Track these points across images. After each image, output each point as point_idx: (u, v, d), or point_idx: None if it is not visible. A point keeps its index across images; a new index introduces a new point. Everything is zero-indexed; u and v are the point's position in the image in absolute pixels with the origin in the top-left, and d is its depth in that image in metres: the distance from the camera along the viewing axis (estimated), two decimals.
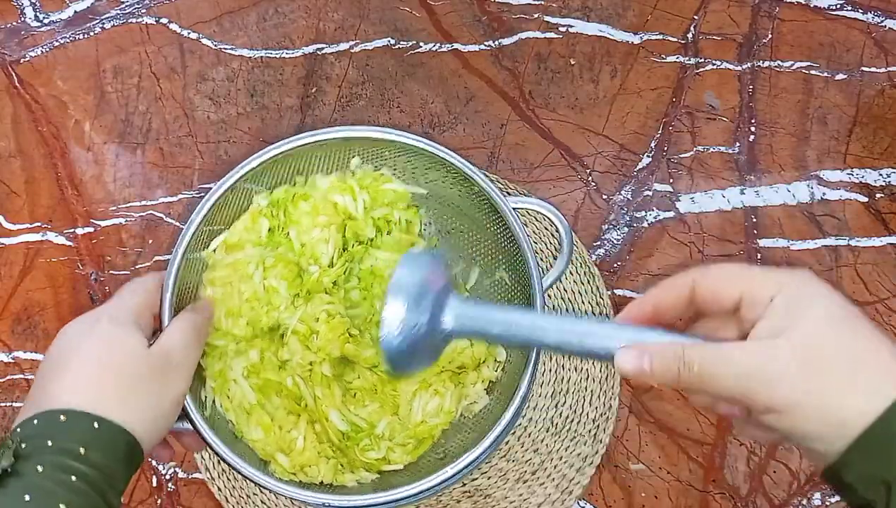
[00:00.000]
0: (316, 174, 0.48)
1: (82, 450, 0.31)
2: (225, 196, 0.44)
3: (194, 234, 0.43)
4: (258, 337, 0.44)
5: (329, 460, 0.44)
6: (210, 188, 0.44)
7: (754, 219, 0.59)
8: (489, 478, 0.53)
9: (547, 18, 0.66)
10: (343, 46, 0.66)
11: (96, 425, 0.32)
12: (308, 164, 0.47)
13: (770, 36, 0.64)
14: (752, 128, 0.62)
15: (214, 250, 0.45)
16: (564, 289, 0.57)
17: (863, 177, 0.60)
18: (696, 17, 0.65)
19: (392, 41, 0.66)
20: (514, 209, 0.44)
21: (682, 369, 0.30)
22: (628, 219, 0.60)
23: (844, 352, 0.28)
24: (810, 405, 0.28)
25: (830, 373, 0.28)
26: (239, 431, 0.43)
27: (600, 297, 0.56)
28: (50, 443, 0.31)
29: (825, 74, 0.63)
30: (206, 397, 0.43)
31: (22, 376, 0.58)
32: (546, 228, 0.58)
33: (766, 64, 0.64)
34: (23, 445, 0.31)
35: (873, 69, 0.63)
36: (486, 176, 0.45)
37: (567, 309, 0.56)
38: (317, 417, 0.44)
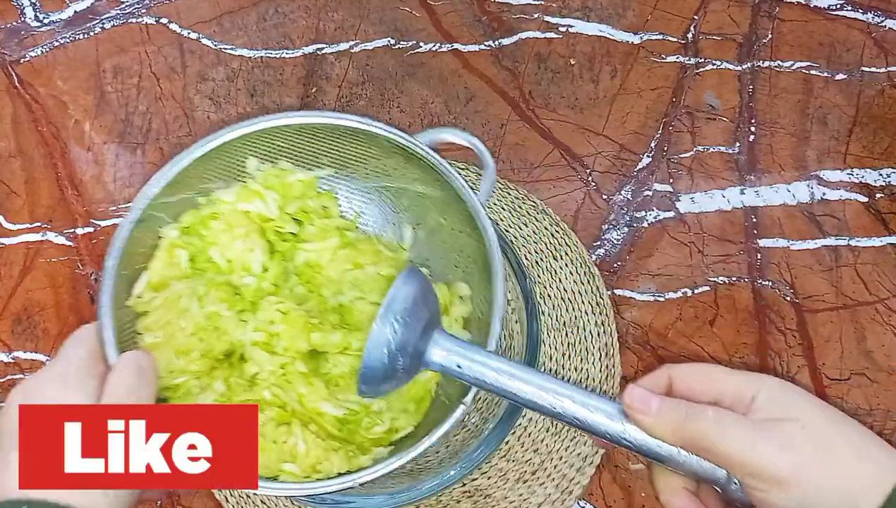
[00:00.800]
0: (217, 190, 0.47)
1: None
2: (132, 236, 0.42)
3: (115, 285, 0.41)
4: (216, 367, 0.43)
5: (338, 451, 0.43)
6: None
7: (754, 219, 0.59)
8: (489, 478, 0.53)
9: (547, 18, 0.66)
10: (343, 46, 0.66)
11: None
12: (204, 180, 0.46)
13: (770, 36, 0.64)
14: (752, 128, 0.62)
15: (140, 296, 0.43)
16: (564, 289, 0.57)
17: (863, 177, 0.60)
18: (696, 17, 0.65)
19: (392, 41, 0.66)
20: (433, 149, 0.44)
21: (690, 417, 0.30)
22: (628, 219, 0.60)
23: (847, 435, 0.29)
24: (823, 477, 0.28)
25: (840, 450, 0.29)
26: None
27: (600, 297, 0.56)
28: None
29: (825, 74, 0.63)
30: None
31: (22, 376, 0.58)
32: (546, 227, 0.58)
33: (766, 64, 0.64)
34: None
35: (873, 69, 0.63)
36: (390, 129, 0.44)
37: (567, 310, 0.56)
38: (308, 416, 0.44)
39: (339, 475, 0.41)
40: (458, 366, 0.37)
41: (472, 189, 0.44)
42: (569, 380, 0.55)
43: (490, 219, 0.43)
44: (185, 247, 0.45)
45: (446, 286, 0.47)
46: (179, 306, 0.43)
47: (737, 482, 0.31)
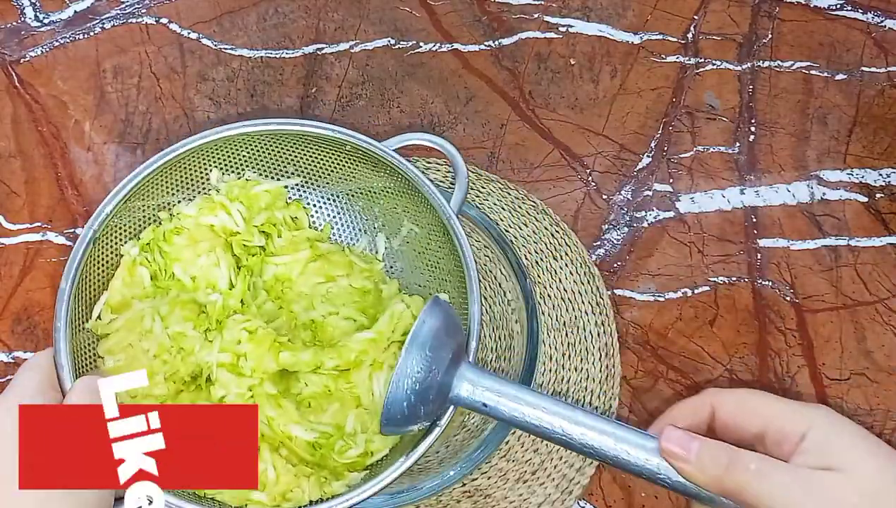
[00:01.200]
0: (179, 204, 0.45)
1: None
2: (88, 254, 0.40)
3: (71, 308, 0.39)
4: (182, 390, 0.42)
5: (310, 477, 0.41)
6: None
7: (754, 219, 0.59)
8: (489, 478, 0.53)
9: (547, 18, 0.66)
10: (343, 46, 0.66)
11: None
12: (165, 194, 0.44)
13: (770, 36, 0.64)
14: (752, 128, 0.62)
15: (99, 317, 0.41)
16: (564, 289, 0.57)
17: (863, 177, 0.60)
18: (696, 17, 0.65)
19: (392, 41, 0.66)
20: (395, 150, 0.43)
21: (731, 467, 0.29)
22: (628, 219, 0.60)
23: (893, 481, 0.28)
24: None
25: (887, 504, 0.28)
26: (200, 490, 0.40)
27: (600, 297, 0.56)
28: None
29: (825, 74, 0.63)
30: None
31: None
32: (546, 227, 0.58)
33: (766, 64, 0.64)
34: None
35: (873, 69, 0.63)
36: (356, 135, 0.43)
37: (567, 309, 0.56)
38: (278, 441, 0.41)
39: (311, 503, 0.39)
40: (485, 405, 0.35)
41: (446, 192, 0.42)
42: (569, 380, 0.56)
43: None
44: (147, 265, 0.43)
45: (422, 299, 0.45)
46: (142, 327, 0.41)
47: None
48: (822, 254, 0.58)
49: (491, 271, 0.55)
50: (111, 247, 0.43)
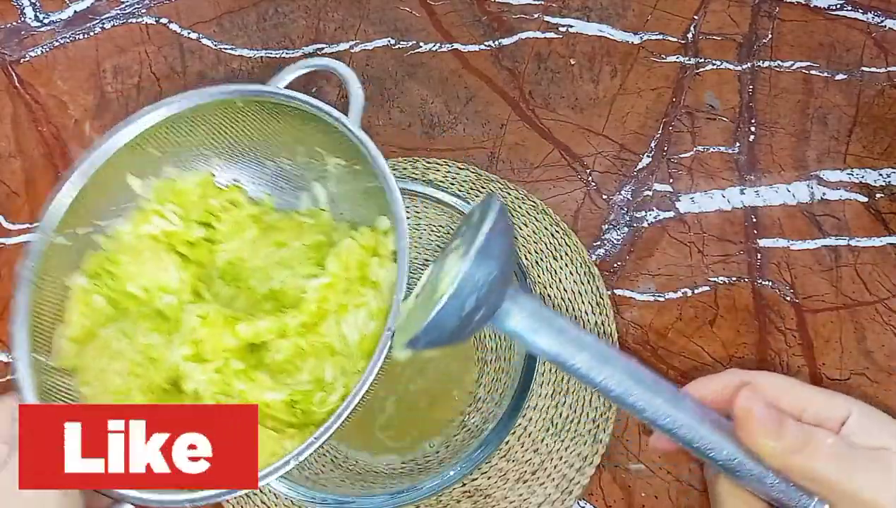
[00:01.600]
0: (112, 223, 0.44)
1: None
2: (35, 296, 0.40)
3: (29, 351, 0.39)
4: (163, 398, 0.41)
5: (294, 437, 0.40)
6: None
7: (754, 219, 0.59)
8: (489, 478, 0.53)
9: (547, 18, 0.66)
10: (343, 46, 0.66)
11: None
12: (94, 217, 0.44)
13: (770, 36, 0.64)
14: (752, 128, 0.62)
15: (65, 352, 0.41)
16: (565, 289, 0.57)
17: (863, 177, 0.60)
18: (696, 17, 0.65)
19: (392, 41, 0.66)
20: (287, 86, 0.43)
21: (810, 444, 0.29)
22: (628, 219, 0.60)
23: None
24: None
25: None
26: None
27: (600, 297, 0.56)
28: None
29: (825, 74, 0.63)
30: None
31: None
32: (546, 227, 0.58)
33: (766, 64, 0.64)
34: None
35: (873, 69, 0.63)
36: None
37: (567, 310, 0.56)
38: (262, 413, 0.40)
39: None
40: (535, 333, 0.30)
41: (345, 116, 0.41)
42: (569, 380, 0.56)
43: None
44: (99, 291, 0.43)
45: (369, 228, 0.44)
46: (111, 350, 0.41)
47: None
48: (822, 254, 0.58)
49: None
50: (53, 281, 0.42)
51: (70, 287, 0.43)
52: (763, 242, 0.58)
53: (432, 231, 0.54)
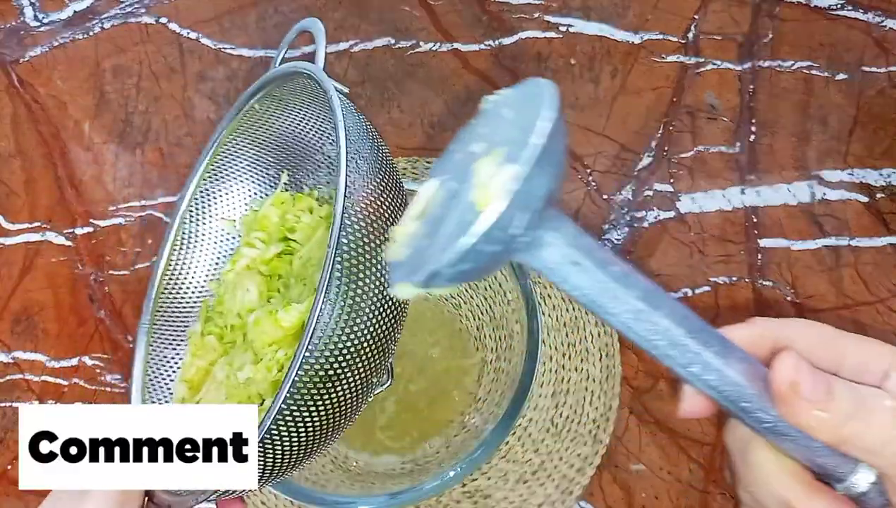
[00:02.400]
0: (219, 277, 0.48)
1: None
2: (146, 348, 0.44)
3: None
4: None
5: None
6: None
7: (755, 219, 0.59)
8: (489, 479, 0.53)
9: (547, 18, 0.66)
10: (343, 46, 0.66)
11: None
12: (203, 271, 0.49)
13: (770, 36, 0.64)
14: (753, 128, 0.62)
15: (176, 396, 0.45)
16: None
17: (863, 177, 0.60)
18: (696, 17, 0.65)
19: (392, 41, 0.66)
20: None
21: (864, 409, 0.26)
22: (628, 219, 0.60)
23: None
24: None
25: None
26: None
27: None
28: None
29: (826, 74, 0.63)
30: None
31: (21, 376, 0.58)
32: None
33: (767, 64, 0.64)
34: None
35: (874, 69, 0.63)
36: None
37: (567, 309, 0.56)
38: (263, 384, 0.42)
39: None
40: (576, 267, 0.24)
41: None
42: (569, 380, 0.55)
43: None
44: (213, 332, 0.46)
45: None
46: (217, 382, 0.43)
47: (873, 478, 0.26)
48: (822, 254, 0.58)
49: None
50: (163, 331, 0.47)
51: (189, 335, 0.47)
52: (764, 242, 0.58)
53: None
